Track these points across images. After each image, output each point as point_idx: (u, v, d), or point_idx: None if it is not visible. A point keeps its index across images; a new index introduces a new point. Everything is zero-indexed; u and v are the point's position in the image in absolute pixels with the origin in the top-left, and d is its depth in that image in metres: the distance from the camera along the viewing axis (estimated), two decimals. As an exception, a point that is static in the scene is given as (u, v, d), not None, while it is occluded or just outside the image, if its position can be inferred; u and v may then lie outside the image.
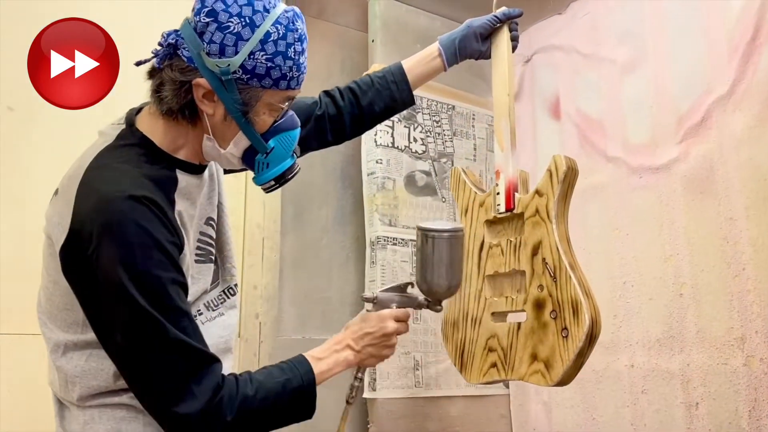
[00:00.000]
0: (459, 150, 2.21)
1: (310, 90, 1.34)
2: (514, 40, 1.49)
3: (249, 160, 1.09)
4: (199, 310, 1.14)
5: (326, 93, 1.40)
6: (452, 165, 2.19)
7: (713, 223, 1.74)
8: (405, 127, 2.10)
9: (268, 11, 1.01)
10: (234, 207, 1.92)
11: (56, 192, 1.05)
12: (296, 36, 1.02)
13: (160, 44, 1.03)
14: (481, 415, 2.10)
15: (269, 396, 1.06)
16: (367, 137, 2.04)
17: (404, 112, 2.09)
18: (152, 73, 1.05)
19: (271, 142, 1.08)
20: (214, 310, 1.16)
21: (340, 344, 1.19)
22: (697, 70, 1.82)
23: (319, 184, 2.09)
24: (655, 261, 1.86)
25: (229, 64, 0.99)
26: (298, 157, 1.15)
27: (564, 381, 1.23)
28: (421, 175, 2.10)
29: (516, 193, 1.38)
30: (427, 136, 2.15)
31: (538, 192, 1.34)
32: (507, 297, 1.35)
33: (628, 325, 1.92)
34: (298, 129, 1.12)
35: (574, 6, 2.19)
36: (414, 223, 2.06)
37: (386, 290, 1.28)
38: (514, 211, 1.37)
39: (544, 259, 1.29)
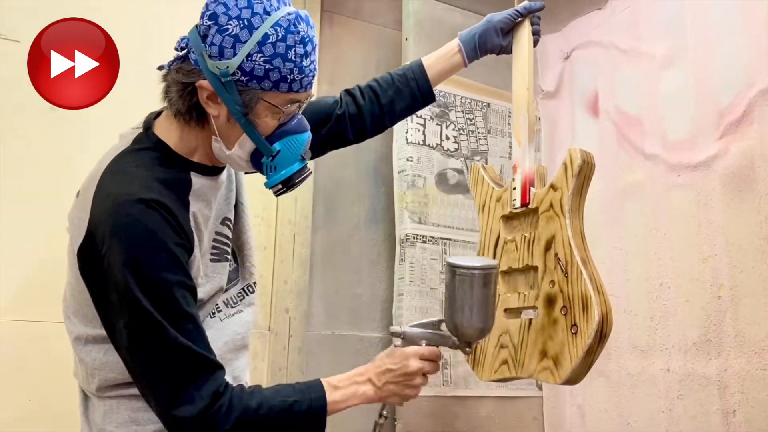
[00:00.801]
0: (493, 148, 2.18)
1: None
2: (536, 34, 1.47)
3: (256, 162, 1.10)
4: (218, 306, 1.16)
5: (347, 92, 1.41)
6: (486, 163, 2.17)
7: (753, 222, 1.66)
8: (437, 124, 2.09)
9: (268, 14, 1.02)
10: (266, 203, 1.96)
11: (78, 194, 1.10)
12: (297, 38, 1.03)
13: (175, 48, 1.07)
14: (511, 417, 2.06)
15: (272, 414, 1.04)
16: (398, 135, 2.05)
17: (436, 109, 2.11)
18: (165, 77, 1.09)
19: (277, 145, 1.09)
20: (233, 307, 1.19)
21: (362, 377, 1.14)
22: (737, 64, 1.74)
23: (352, 181, 2.11)
24: (692, 262, 1.79)
25: (227, 66, 1.02)
26: (308, 160, 1.15)
27: (572, 379, 1.20)
28: (452, 173, 2.09)
29: (532, 188, 1.36)
30: (460, 134, 2.14)
31: (552, 186, 1.31)
32: (519, 293, 1.33)
33: (664, 327, 1.85)
34: (307, 133, 1.13)
35: (614, 1, 2.13)
36: (445, 221, 2.06)
37: (416, 325, 1.20)
38: (530, 206, 1.35)
39: (556, 254, 1.27)
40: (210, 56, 1.03)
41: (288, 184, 1.13)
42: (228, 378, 1.14)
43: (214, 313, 1.16)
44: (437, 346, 1.19)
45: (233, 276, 1.21)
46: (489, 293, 1.16)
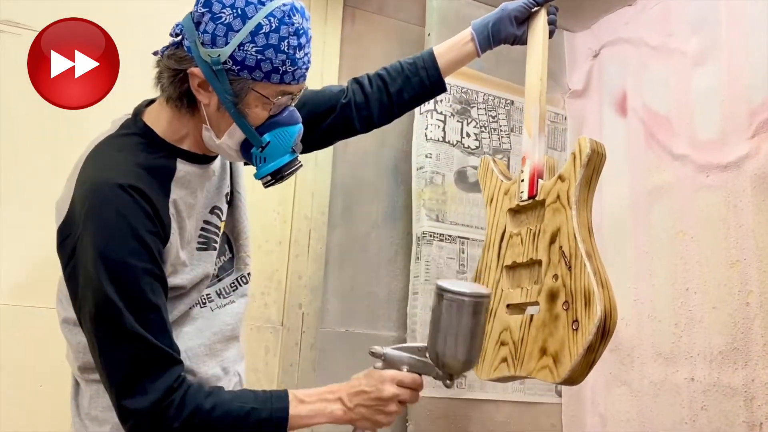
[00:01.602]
0: (516, 146, 2.13)
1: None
2: (552, 23, 1.43)
3: (246, 153, 1.09)
4: (209, 296, 1.16)
5: (355, 80, 1.39)
6: (508, 162, 2.12)
7: (784, 225, 1.57)
8: (458, 121, 2.06)
9: (263, 3, 1.01)
10: (283, 197, 1.96)
11: (68, 178, 1.11)
12: (291, 30, 1.02)
13: (170, 35, 1.07)
14: (528, 423, 2.00)
15: (227, 418, 1.01)
16: (417, 131, 2.02)
17: (458, 106, 2.07)
18: (158, 63, 1.09)
19: (267, 136, 1.08)
20: (225, 297, 1.18)
21: (332, 394, 1.08)
22: (771, 60, 1.66)
23: (371, 178, 2.08)
24: (720, 266, 1.71)
25: (219, 55, 1.01)
26: (298, 153, 1.13)
27: (572, 378, 1.15)
28: (473, 171, 2.04)
29: (540, 180, 1.31)
30: (482, 132, 2.09)
31: (560, 177, 1.27)
32: (523, 288, 1.28)
33: (689, 335, 1.77)
34: (299, 126, 1.12)
35: (645, -4, 2.07)
36: (464, 219, 2.02)
37: (400, 348, 1.11)
38: (537, 198, 1.30)
39: (561, 247, 1.22)
40: (203, 44, 1.02)
41: (277, 176, 1.11)
42: (216, 369, 1.14)
43: (204, 303, 1.15)
44: (419, 374, 1.10)
45: (228, 266, 1.21)
46: (478, 323, 1.06)
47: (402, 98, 1.39)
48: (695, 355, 1.74)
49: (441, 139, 2.02)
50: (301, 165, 1.14)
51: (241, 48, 1.01)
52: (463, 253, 1.99)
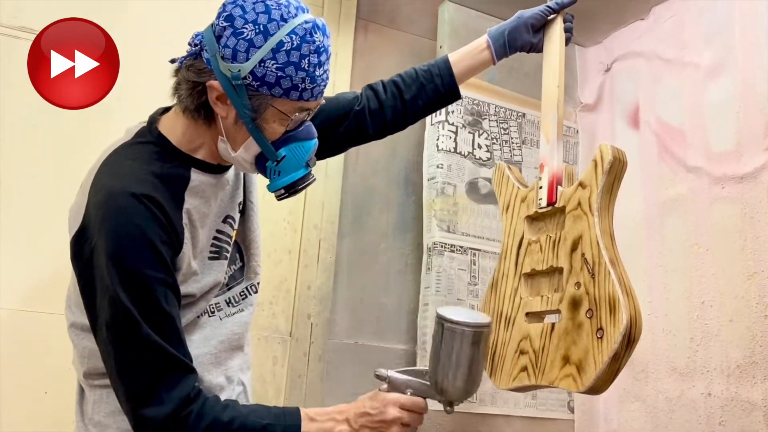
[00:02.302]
0: (528, 159, 2.12)
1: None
2: (568, 31, 1.42)
3: (261, 166, 1.10)
4: (218, 305, 1.15)
5: (369, 87, 1.39)
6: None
7: (803, 236, 1.55)
8: (469, 133, 2.05)
9: (285, 20, 1.01)
10: (293, 207, 1.94)
11: (81, 185, 1.10)
12: (312, 48, 1.02)
13: (189, 44, 1.07)
14: (540, 439, 1.96)
15: (243, 431, 1.02)
16: (429, 142, 2.01)
17: (469, 117, 2.06)
18: (176, 72, 1.08)
19: (282, 151, 1.08)
20: (234, 306, 1.18)
21: (341, 415, 1.09)
22: (787, 71, 1.66)
23: (381, 189, 2.07)
24: (737, 279, 1.68)
25: (239, 70, 1.01)
26: (312, 167, 1.13)
27: (596, 387, 1.12)
28: (484, 182, 2.03)
29: (560, 187, 1.29)
30: (493, 143, 2.08)
31: (581, 184, 1.25)
32: (543, 296, 1.26)
33: (705, 349, 1.74)
34: (314, 140, 1.12)
35: (658, 10, 2.06)
36: (475, 231, 2.00)
37: (405, 371, 1.13)
38: (556, 205, 1.28)
39: (583, 255, 1.20)
40: (223, 57, 1.02)
41: (290, 190, 1.11)
42: (221, 378, 1.13)
43: (213, 312, 1.14)
44: (424, 398, 1.11)
45: (238, 275, 1.20)
46: (477, 353, 1.08)
47: (416, 105, 1.38)
48: (712, 370, 1.71)
49: (452, 150, 2.00)
50: (315, 179, 1.14)
51: (262, 65, 1.00)
52: (474, 264, 1.97)
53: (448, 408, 1.12)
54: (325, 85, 1.07)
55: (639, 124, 2.06)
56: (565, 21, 1.41)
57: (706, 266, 1.77)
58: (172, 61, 1.08)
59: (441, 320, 1.08)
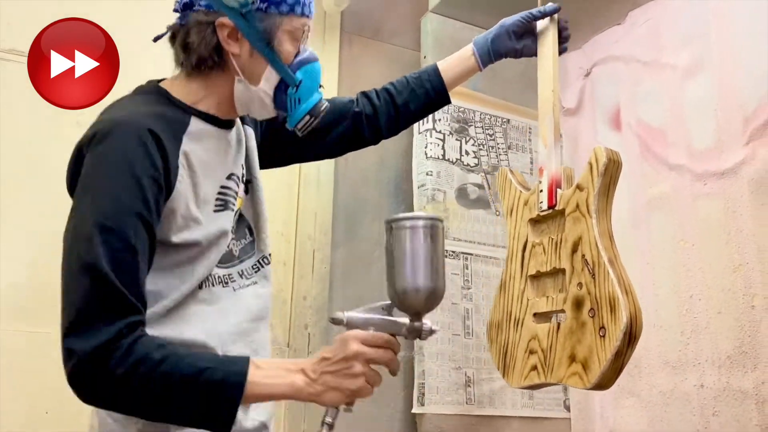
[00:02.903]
0: (514, 163, 2.16)
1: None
2: (565, 37, 1.46)
3: (279, 100, 1.11)
4: (231, 275, 1.12)
5: (363, 94, 1.42)
6: (507, 178, 2.14)
7: (785, 228, 1.61)
8: (456, 139, 2.08)
9: None
10: (286, 218, 1.95)
11: None
12: None
13: (175, 9, 1.09)
14: (539, 438, 2.00)
15: (175, 373, 0.91)
16: (417, 150, 2.04)
17: (456, 124, 2.10)
18: (175, 35, 1.10)
19: (299, 74, 1.10)
20: (248, 278, 1.16)
21: (294, 365, 0.97)
22: (763, 70, 1.72)
23: (372, 198, 2.10)
24: (723, 272, 1.74)
25: None
26: (322, 93, 1.15)
27: (602, 384, 1.15)
28: (473, 188, 2.07)
29: (559, 190, 1.33)
30: (480, 149, 2.12)
31: (578, 186, 1.28)
32: (548, 297, 1.29)
33: (696, 341, 1.79)
34: (318, 62, 1.15)
35: (634, 14, 2.12)
36: (466, 236, 2.03)
37: (364, 310, 0.99)
38: (557, 208, 1.32)
39: (583, 256, 1.23)
40: None
41: (314, 113, 1.13)
42: (246, 350, 1.09)
43: (227, 282, 1.12)
44: (387, 333, 0.97)
45: (249, 249, 1.18)
46: (436, 248, 0.98)
47: (408, 109, 1.42)
48: (703, 362, 1.76)
49: (441, 157, 2.04)
50: (328, 104, 1.16)
51: None
52: (467, 269, 2.00)
53: (417, 324, 0.99)
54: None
55: (621, 126, 2.11)
56: (560, 27, 1.45)
57: (692, 261, 1.82)
58: (155, 38, 1.10)
59: (390, 223, 0.99)
